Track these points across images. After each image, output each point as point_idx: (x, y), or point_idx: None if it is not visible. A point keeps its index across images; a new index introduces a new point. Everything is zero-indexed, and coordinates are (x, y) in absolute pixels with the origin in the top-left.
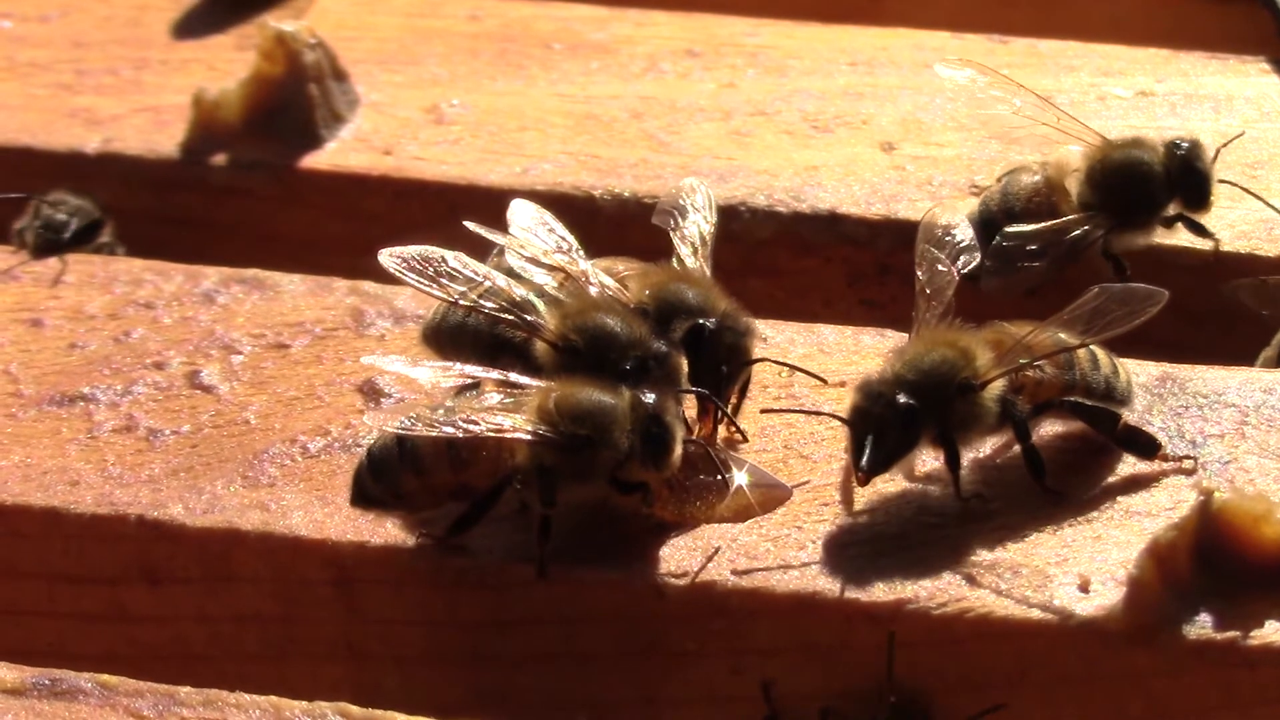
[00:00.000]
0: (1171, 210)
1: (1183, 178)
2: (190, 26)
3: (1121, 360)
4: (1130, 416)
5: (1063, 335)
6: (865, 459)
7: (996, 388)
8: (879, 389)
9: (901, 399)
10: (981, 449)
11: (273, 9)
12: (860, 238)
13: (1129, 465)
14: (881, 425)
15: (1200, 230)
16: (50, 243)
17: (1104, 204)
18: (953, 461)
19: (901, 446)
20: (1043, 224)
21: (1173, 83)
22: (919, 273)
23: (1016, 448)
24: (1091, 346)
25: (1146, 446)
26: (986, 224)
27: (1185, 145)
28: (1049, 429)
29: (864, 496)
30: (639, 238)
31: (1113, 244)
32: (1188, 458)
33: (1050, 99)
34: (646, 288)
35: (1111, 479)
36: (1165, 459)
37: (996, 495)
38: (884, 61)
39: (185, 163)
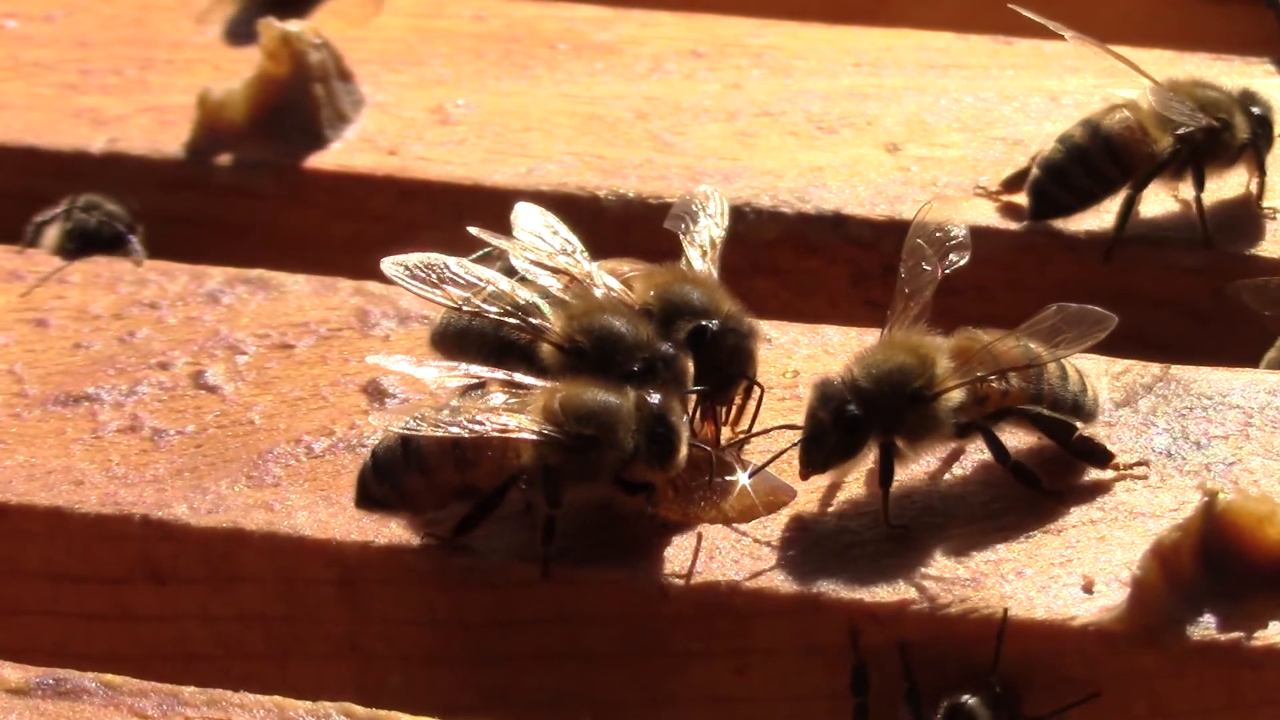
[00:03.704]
0: (1242, 139)
1: (1250, 104)
2: (238, 30)
3: (1089, 375)
4: (1092, 428)
5: (1032, 346)
6: (806, 458)
7: (954, 398)
8: (832, 391)
9: (849, 407)
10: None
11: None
12: (865, 239)
13: None
14: (827, 429)
15: (1262, 167)
16: (74, 250)
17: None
18: (885, 476)
19: (842, 451)
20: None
21: None
22: (902, 270)
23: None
24: (1061, 361)
25: (1101, 456)
26: (1078, 156)
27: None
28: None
29: (866, 498)
30: (643, 238)
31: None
32: (1140, 464)
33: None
34: (651, 288)
35: (1115, 480)
36: (1117, 468)
37: (1000, 496)
38: (889, 62)
39: (190, 163)
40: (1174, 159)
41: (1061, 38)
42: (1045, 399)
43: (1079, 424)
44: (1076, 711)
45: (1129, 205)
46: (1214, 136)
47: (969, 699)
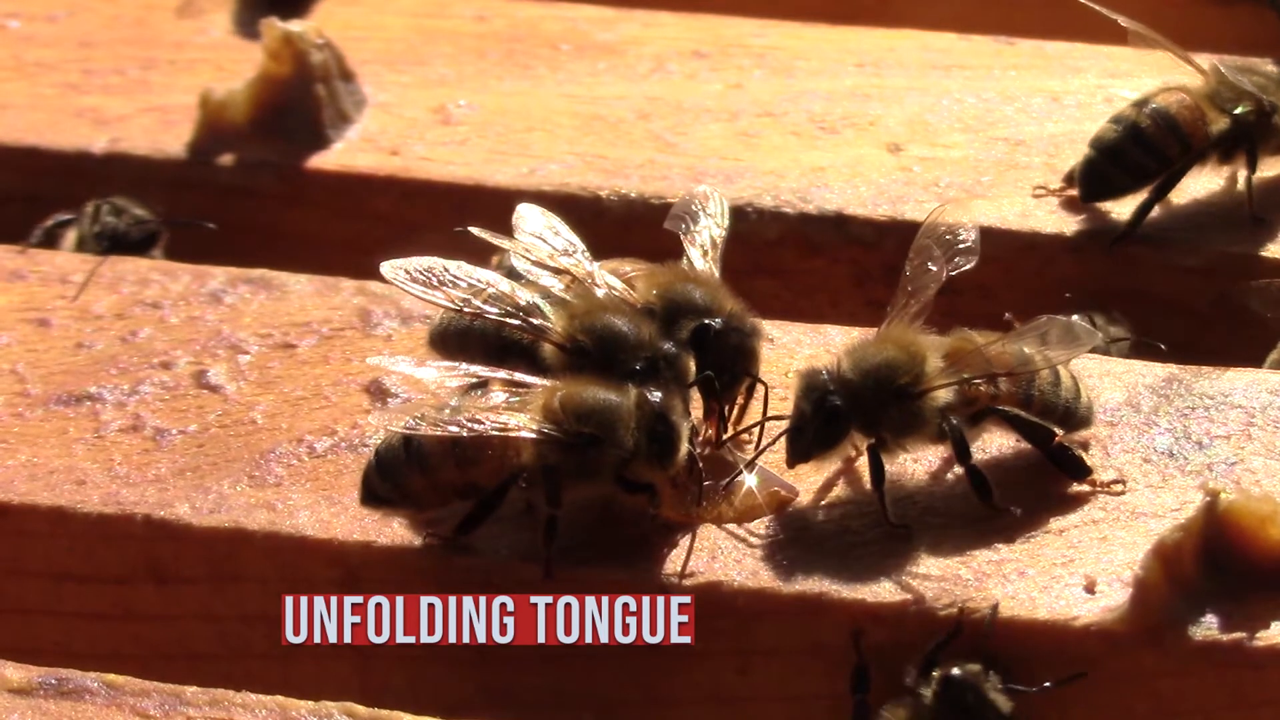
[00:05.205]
0: None
1: None
2: (240, 30)
3: (1084, 381)
4: (1075, 436)
5: (1026, 350)
6: (790, 447)
7: (941, 398)
8: (816, 382)
9: (831, 399)
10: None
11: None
12: (867, 239)
13: (1134, 466)
14: (809, 420)
15: None
16: (101, 253)
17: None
18: (876, 476)
19: (822, 443)
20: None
21: None
22: (907, 268)
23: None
24: (1056, 366)
25: (1078, 468)
26: (1136, 135)
27: None
28: None
29: (867, 498)
30: (645, 238)
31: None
32: (1116, 482)
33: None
34: (653, 288)
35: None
36: (1094, 484)
37: (1002, 496)
38: (891, 63)
39: (192, 163)
40: (1227, 140)
41: (1119, 31)
42: (1035, 404)
43: (1059, 430)
44: (1079, 709)
45: (1155, 197)
46: (1265, 119)
47: (959, 670)
